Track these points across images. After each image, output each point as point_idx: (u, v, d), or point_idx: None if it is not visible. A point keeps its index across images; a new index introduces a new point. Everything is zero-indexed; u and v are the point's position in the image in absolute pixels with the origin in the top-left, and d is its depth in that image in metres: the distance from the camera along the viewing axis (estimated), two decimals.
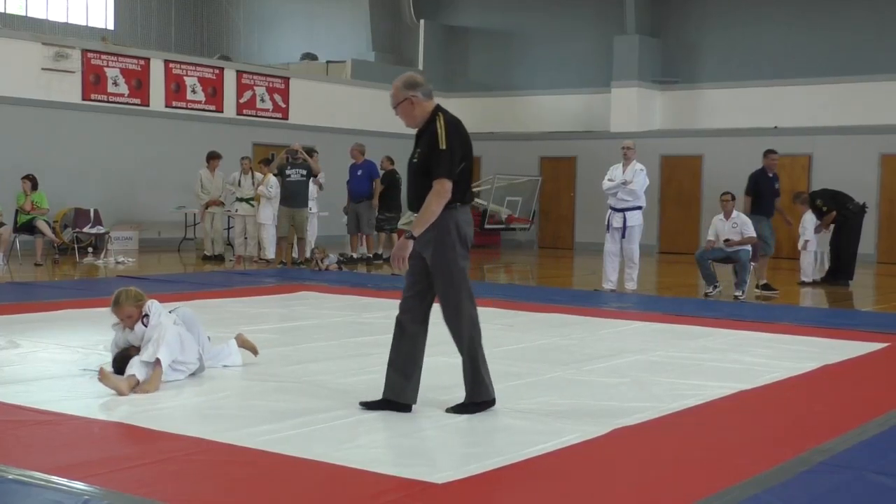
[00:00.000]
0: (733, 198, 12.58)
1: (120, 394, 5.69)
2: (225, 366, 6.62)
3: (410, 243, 5.43)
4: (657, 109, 21.91)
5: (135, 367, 5.88)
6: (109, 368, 6.01)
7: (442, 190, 5.33)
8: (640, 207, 12.49)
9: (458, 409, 5.50)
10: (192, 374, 6.31)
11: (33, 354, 6.91)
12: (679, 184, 20.87)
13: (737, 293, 12.00)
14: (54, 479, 4.09)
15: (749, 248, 12.29)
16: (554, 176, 22.33)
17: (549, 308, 10.45)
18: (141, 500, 3.91)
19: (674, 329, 9.20)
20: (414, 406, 5.55)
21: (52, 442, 4.80)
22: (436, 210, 5.35)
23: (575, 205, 22.01)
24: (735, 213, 12.47)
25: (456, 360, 7.19)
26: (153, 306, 6.30)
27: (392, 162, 16.91)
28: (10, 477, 4.11)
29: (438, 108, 5.52)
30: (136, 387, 5.80)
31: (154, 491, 4.04)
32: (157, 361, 5.92)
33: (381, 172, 16.49)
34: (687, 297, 12.36)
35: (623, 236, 12.40)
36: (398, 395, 5.53)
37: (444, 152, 5.35)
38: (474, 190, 22.42)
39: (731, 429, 5.46)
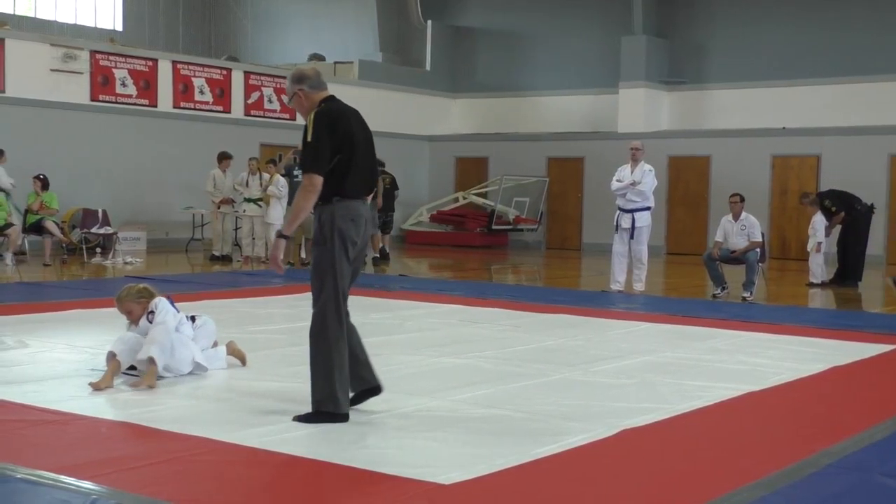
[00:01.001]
0: (742, 199, 12.56)
1: (101, 386, 5.88)
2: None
3: (283, 242, 5.35)
4: (664, 110, 21.89)
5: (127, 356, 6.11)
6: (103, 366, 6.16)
7: (308, 184, 5.16)
8: (648, 208, 12.48)
9: (302, 418, 5.20)
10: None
11: (42, 354, 6.92)
12: (686, 184, 20.84)
13: (745, 294, 11.98)
14: (62, 478, 4.10)
15: (757, 249, 12.27)
16: (561, 177, 22.32)
17: (557, 309, 10.43)
18: (148, 500, 3.92)
19: (681, 330, 9.18)
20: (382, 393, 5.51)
21: (60, 441, 4.81)
22: (303, 205, 5.17)
23: (582, 205, 21.99)
24: (743, 214, 12.44)
25: (465, 361, 7.22)
26: (160, 304, 6.34)
27: (382, 165, 17.01)
28: (18, 476, 4.12)
29: (325, 100, 5.37)
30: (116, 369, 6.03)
31: (161, 491, 4.05)
32: (152, 360, 5.98)
33: None
34: (695, 298, 12.34)
35: (632, 237, 12.39)
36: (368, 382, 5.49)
37: (309, 145, 5.20)
38: (481, 191, 22.49)
39: (738, 430, 5.45)
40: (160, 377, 6.08)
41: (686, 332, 9.03)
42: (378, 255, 16.49)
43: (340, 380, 5.22)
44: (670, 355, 7.71)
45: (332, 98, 5.42)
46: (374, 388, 5.51)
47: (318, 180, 5.15)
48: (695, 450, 5.00)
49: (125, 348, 6.16)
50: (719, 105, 21.25)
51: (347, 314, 5.38)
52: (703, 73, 21.48)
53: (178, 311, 6.48)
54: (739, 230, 12.38)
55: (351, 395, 5.41)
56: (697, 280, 14.55)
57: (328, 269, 5.24)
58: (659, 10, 21.71)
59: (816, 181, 19.15)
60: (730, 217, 12.55)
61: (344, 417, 5.21)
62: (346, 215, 5.23)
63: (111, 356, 6.11)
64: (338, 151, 5.20)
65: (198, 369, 6.43)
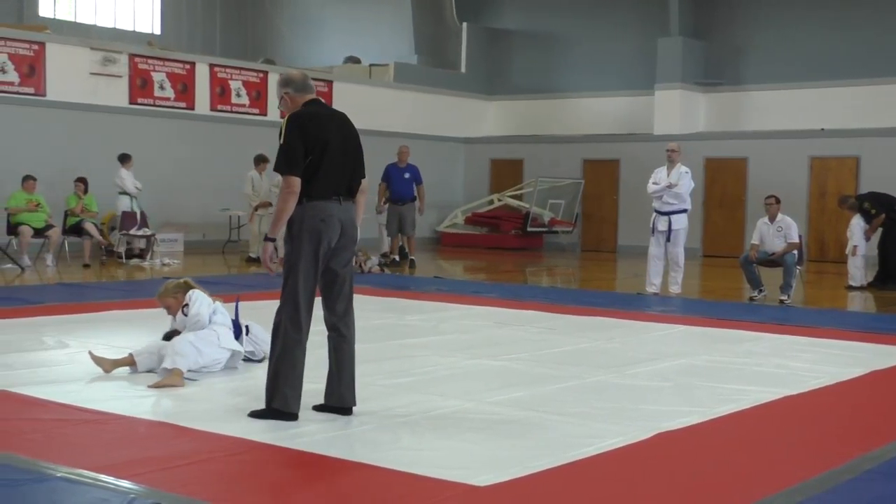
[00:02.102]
0: (777, 201, 12.45)
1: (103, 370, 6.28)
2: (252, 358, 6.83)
3: (268, 245, 5.39)
4: (701, 111, 21.76)
5: (143, 354, 6.40)
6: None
7: (285, 186, 5.22)
8: (685, 210, 12.42)
9: (254, 413, 5.30)
10: (229, 366, 6.59)
11: (81, 354, 6.99)
12: (723, 186, 20.69)
13: (782, 297, 11.89)
14: (102, 477, 4.14)
15: (795, 252, 12.16)
16: (597, 178, 22.24)
17: (592, 311, 10.41)
18: (185, 500, 3.96)
19: (718, 333, 9.13)
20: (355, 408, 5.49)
21: (99, 441, 4.87)
22: (282, 207, 5.22)
23: (618, 207, 21.90)
24: (779, 216, 12.34)
25: (500, 363, 7.22)
26: (193, 296, 6.55)
27: None
28: (58, 475, 4.17)
29: (308, 103, 5.41)
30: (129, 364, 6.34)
31: (198, 490, 4.09)
32: (177, 368, 6.19)
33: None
34: (731, 301, 12.26)
35: (668, 240, 12.33)
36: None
37: (280, 148, 5.26)
38: (516, 193, 22.47)
39: (775, 435, 5.41)
40: (190, 378, 6.21)
41: (722, 335, 8.97)
42: (397, 257, 16.40)
43: (289, 380, 5.24)
44: (706, 358, 7.66)
45: (315, 101, 5.46)
46: (346, 410, 5.46)
47: (295, 181, 5.20)
48: (731, 454, 4.97)
49: (145, 351, 6.41)
50: (757, 106, 21.08)
51: (337, 314, 5.47)
52: (740, 74, 21.33)
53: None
54: (776, 232, 12.29)
55: (323, 404, 5.46)
56: (734, 283, 14.45)
57: (291, 271, 5.29)
58: (695, 11, 21.58)
59: (856, 183, 18.95)
60: (766, 219, 12.45)
61: (292, 417, 5.24)
62: (314, 216, 5.26)
63: (129, 355, 6.40)
64: (309, 153, 5.24)
65: (233, 360, 6.60)
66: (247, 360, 6.79)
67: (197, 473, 4.37)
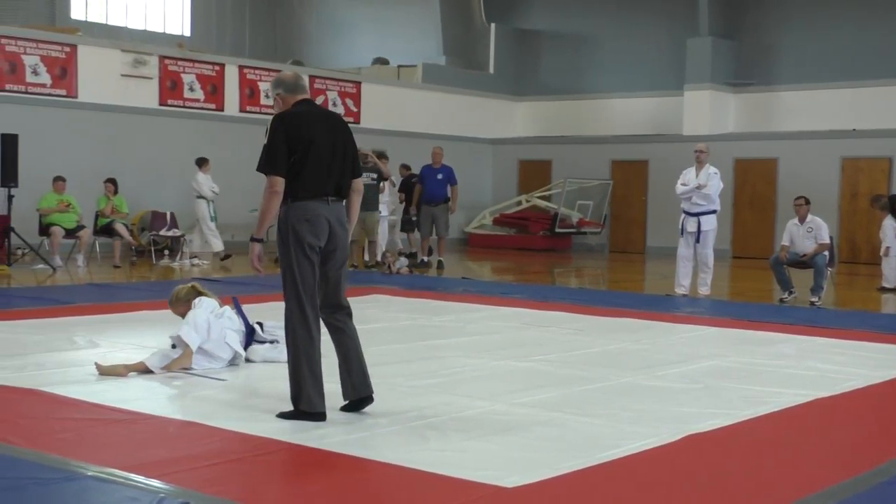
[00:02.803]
0: (807, 202, 12.35)
1: (118, 375, 6.31)
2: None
3: (255, 245, 5.43)
4: (731, 112, 21.63)
5: (153, 356, 6.49)
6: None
7: (267, 186, 5.25)
8: (714, 211, 12.35)
9: (283, 415, 5.31)
10: (231, 364, 6.74)
11: (111, 354, 7.05)
12: (753, 187, 20.56)
13: (813, 299, 11.79)
14: (132, 476, 4.17)
15: (826, 253, 12.06)
16: (625, 179, 22.17)
17: (620, 312, 10.37)
18: (214, 499, 3.98)
19: (747, 335, 9.07)
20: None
21: (130, 440, 4.90)
22: (267, 207, 5.26)
23: (647, 208, 21.81)
24: (810, 217, 12.24)
25: (528, 364, 7.21)
26: (197, 301, 6.76)
27: (409, 168, 17.43)
28: (89, 474, 4.20)
29: (298, 103, 5.43)
30: (142, 370, 6.39)
31: (226, 490, 4.11)
32: (187, 347, 6.41)
33: (400, 179, 16.71)
34: (761, 303, 12.17)
35: (697, 241, 12.27)
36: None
37: (264, 148, 5.29)
38: (544, 193, 22.43)
39: (806, 437, 5.37)
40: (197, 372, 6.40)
41: (752, 337, 8.91)
42: (426, 258, 16.37)
43: (311, 379, 5.25)
44: (736, 360, 7.62)
45: (305, 101, 5.48)
46: (365, 398, 5.47)
47: (277, 181, 5.23)
48: (761, 457, 4.93)
49: (156, 353, 6.55)
50: (787, 107, 20.93)
51: (332, 314, 5.47)
52: (770, 75, 21.18)
53: (233, 311, 6.90)
54: (806, 233, 12.19)
55: (346, 402, 5.46)
56: (764, 284, 14.35)
57: (287, 271, 5.32)
58: (725, 10, 21.45)
59: (888, 184, 18.77)
60: (796, 220, 12.36)
61: (320, 416, 5.24)
62: (300, 216, 5.28)
63: (141, 363, 6.47)
64: (293, 152, 5.25)
65: (235, 360, 6.76)
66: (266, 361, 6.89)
67: (226, 473, 4.39)
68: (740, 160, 20.58)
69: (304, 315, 5.28)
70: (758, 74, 21.31)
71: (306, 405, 5.25)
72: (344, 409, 5.47)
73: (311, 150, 5.29)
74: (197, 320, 6.50)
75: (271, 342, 6.96)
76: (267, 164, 5.26)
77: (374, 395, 5.48)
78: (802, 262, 12.17)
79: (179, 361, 6.38)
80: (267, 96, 19.44)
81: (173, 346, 6.62)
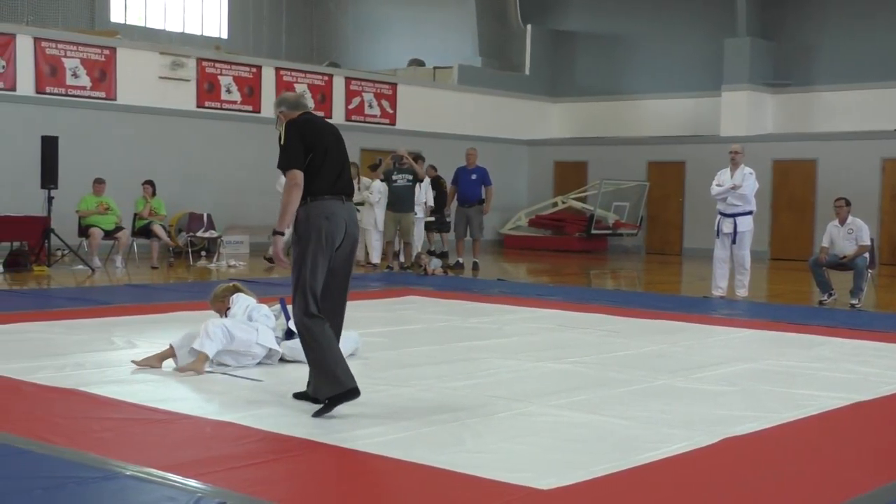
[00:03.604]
0: (848, 203, 12.22)
1: (153, 367, 6.54)
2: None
3: (278, 238, 5.59)
4: (769, 113, 21.44)
5: (185, 352, 6.60)
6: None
7: (288, 180, 5.48)
8: (750, 212, 12.25)
9: (318, 413, 5.41)
10: (266, 360, 6.83)
11: (149, 354, 7.10)
12: (792, 189, 20.37)
13: (853, 301, 11.66)
14: (169, 476, 4.20)
15: (866, 255, 11.93)
16: (662, 181, 22.04)
17: (657, 314, 10.31)
18: (251, 500, 3.99)
19: (786, 337, 8.98)
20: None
21: (167, 440, 4.94)
22: (288, 200, 5.47)
23: (683, 210, 21.68)
24: (850, 218, 12.11)
25: (564, 366, 7.19)
26: (234, 298, 6.92)
27: (435, 170, 17.43)
28: (127, 473, 4.24)
29: (300, 115, 5.71)
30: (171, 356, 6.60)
31: (264, 490, 4.12)
32: (201, 352, 6.50)
33: (428, 180, 16.71)
34: (800, 305, 12.06)
35: (733, 242, 12.18)
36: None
37: (282, 148, 5.54)
38: (580, 195, 22.36)
39: (845, 441, 5.31)
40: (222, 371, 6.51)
41: (791, 340, 8.83)
42: (460, 260, 16.34)
43: (335, 361, 5.41)
44: (774, 363, 7.55)
45: (307, 114, 5.78)
46: (314, 398, 5.61)
47: (297, 174, 5.46)
48: (799, 460, 4.88)
49: (184, 345, 6.63)
50: (826, 107, 20.72)
51: (328, 308, 5.59)
52: (809, 75, 20.97)
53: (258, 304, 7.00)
54: (846, 234, 12.06)
55: (300, 392, 5.70)
56: (803, 286, 14.21)
57: (301, 267, 5.48)
58: (763, 10, 21.28)
59: None
60: (836, 222, 12.23)
61: (353, 392, 5.39)
62: (319, 213, 5.48)
63: (169, 346, 6.65)
64: (309, 151, 5.52)
65: (270, 358, 6.83)
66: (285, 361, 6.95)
67: (262, 473, 4.41)
68: (779, 161, 20.40)
69: (313, 309, 5.46)
70: (796, 75, 21.11)
71: (338, 387, 5.37)
72: (296, 395, 5.72)
73: (325, 151, 5.57)
74: (208, 329, 6.56)
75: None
76: (286, 161, 5.51)
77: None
78: (842, 264, 12.04)
79: (193, 365, 6.46)
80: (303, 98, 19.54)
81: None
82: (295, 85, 19.48)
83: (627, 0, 23.24)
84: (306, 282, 5.44)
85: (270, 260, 15.09)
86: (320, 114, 19.78)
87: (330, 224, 5.48)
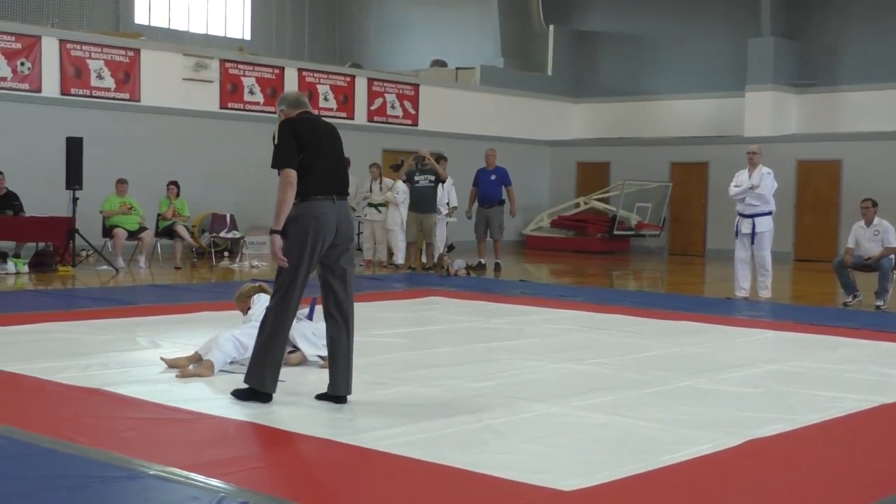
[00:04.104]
0: (874, 204, 12.13)
1: (181, 367, 6.57)
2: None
3: (276, 237, 5.65)
4: (793, 113, 21.32)
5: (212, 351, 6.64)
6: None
7: (281, 179, 5.58)
8: (769, 213, 12.18)
9: (236, 392, 5.70)
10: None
11: (172, 354, 7.13)
12: (816, 189, 20.24)
13: (878, 303, 11.58)
14: (192, 475, 4.22)
15: (892, 256, 11.84)
16: (685, 181, 21.96)
17: (680, 316, 10.28)
18: (273, 499, 4.01)
19: (810, 339, 8.93)
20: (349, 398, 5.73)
21: (190, 440, 4.96)
22: (282, 198, 5.56)
23: (706, 211, 21.59)
24: (876, 219, 12.02)
25: (586, 367, 7.17)
26: (255, 298, 7.02)
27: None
28: (151, 472, 4.26)
29: (299, 114, 5.81)
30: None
31: (286, 490, 4.14)
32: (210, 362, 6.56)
33: (451, 180, 16.67)
34: (824, 307, 11.99)
35: (752, 242, 12.12)
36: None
37: (276, 147, 5.63)
38: (603, 196, 22.30)
39: (870, 444, 5.27)
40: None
41: (815, 341, 8.78)
42: (482, 261, 16.30)
43: (271, 364, 5.61)
44: (798, 364, 7.50)
45: (305, 113, 5.87)
46: (340, 398, 5.72)
47: (291, 173, 5.56)
48: (824, 462, 4.85)
49: (206, 346, 6.75)
50: (852, 107, 20.57)
51: (335, 308, 5.72)
52: (833, 75, 20.84)
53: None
54: (872, 236, 11.98)
55: (323, 393, 5.76)
56: (827, 288, 14.13)
57: (287, 262, 5.58)
58: (788, 10, 21.16)
59: None
60: (862, 223, 12.15)
61: (266, 397, 5.61)
62: (309, 213, 5.59)
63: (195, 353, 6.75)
64: (301, 150, 5.61)
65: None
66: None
67: (285, 473, 4.42)
68: (803, 162, 20.28)
69: (288, 307, 5.62)
70: (821, 74, 20.97)
71: (258, 384, 5.61)
72: (318, 397, 5.77)
73: (318, 150, 5.66)
74: (219, 341, 6.64)
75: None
76: (280, 160, 5.61)
77: (348, 399, 5.72)
78: (867, 266, 11.96)
79: (198, 370, 6.51)
80: (326, 99, 19.59)
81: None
82: (317, 86, 19.53)
83: (650, 0, 23.16)
84: (289, 283, 5.58)
85: None
86: (342, 113, 19.97)
87: (319, 224, 5.58)
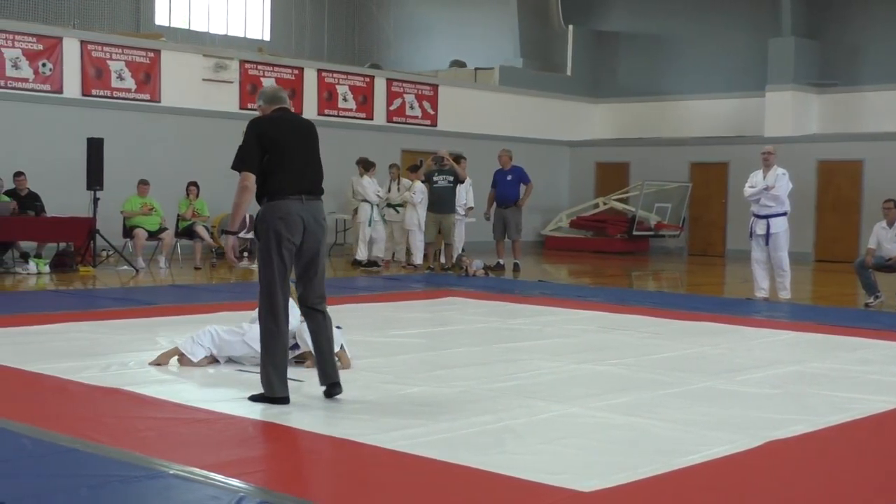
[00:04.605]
0: None
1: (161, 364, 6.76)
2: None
3: (230, 238, 5.76)
4: (814, 113, 21.21)
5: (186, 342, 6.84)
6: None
7: (240, 182, 5.65)
8: (784, 213, 12.11)
9: (253, 397, 5.69)
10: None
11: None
12: (837, 189, 20.13)
13: None
14: (212, 475, 4.23)
15: None
16: (704, 182, 21.88)
17: (699, 316, 10.24)
18: (292, 499, 4.02)
19: (830, 340, 8.88)
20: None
21: (210, 439, 4.98)
22: (237, 201, 5.68)
23: (726, 211, 21.50)
24: None
25: (605, 368, 7.16)
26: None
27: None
28: (171, 472, 4.28)
29: (275, 111, 5.82)
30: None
31: (305, 490, 4.15)
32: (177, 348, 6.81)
33: (469, 180, 16.61)
34: (845, 307, 11.92)
35: (767, 243, 12.06)
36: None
37: (239, 148, 5.70)
38: (622, 196, 22.25)
39: (891, 445, 5.24)
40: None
41: (835, 342, 8.73)
42: (501, 261, 16.27)
43: (274, 368, 5.61)
44: (818, 366, 7.46)
45: (280, 110, 5.86)
46: (335, 384, 5.81)
47: (248, 177, 5.62)
48: (844, 464, 4.83)
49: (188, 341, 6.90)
50: (873, 107, 20.44)
51: (312, 295, 5.79)
52: (854, 75, 20.71)
53: None
54: (894, 237, 11.90)
55: (323, 388, 5.82)
56: (848, 288, 14.05)
57: (264, 266, 5.68)
58: (808, 10, 21.05)
59: None
60: (883, 223, 12.08)
61: (282, 401, 5.61)
62: (274, 214, 5.61)
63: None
64: (265, 152, 5.62)
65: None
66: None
67: (303, 473, 4.44)
68: (823, 162, 20.17)
69: (276, 308, 5.63)
70: (842, 75, 20.85)
71: (269, 391, 5.63)
72: (326, 395, 5.83)
73: (283, 151, 5.65)
74: (198, 332, 6.81)
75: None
76: (239, 162, 5.68)
77: (341, 384, 5.81)
78: (889, 266, 11.89)
79: (162, 357, 6.77)
80: (345, 99, 19.63)
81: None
82: (336, 87, 19.57)
83: (670, 0, 23.09)
84: (270, 284, 5.62)
85: None
86: (361, 114, 20.00)
87: (285, 224, 5.59)
